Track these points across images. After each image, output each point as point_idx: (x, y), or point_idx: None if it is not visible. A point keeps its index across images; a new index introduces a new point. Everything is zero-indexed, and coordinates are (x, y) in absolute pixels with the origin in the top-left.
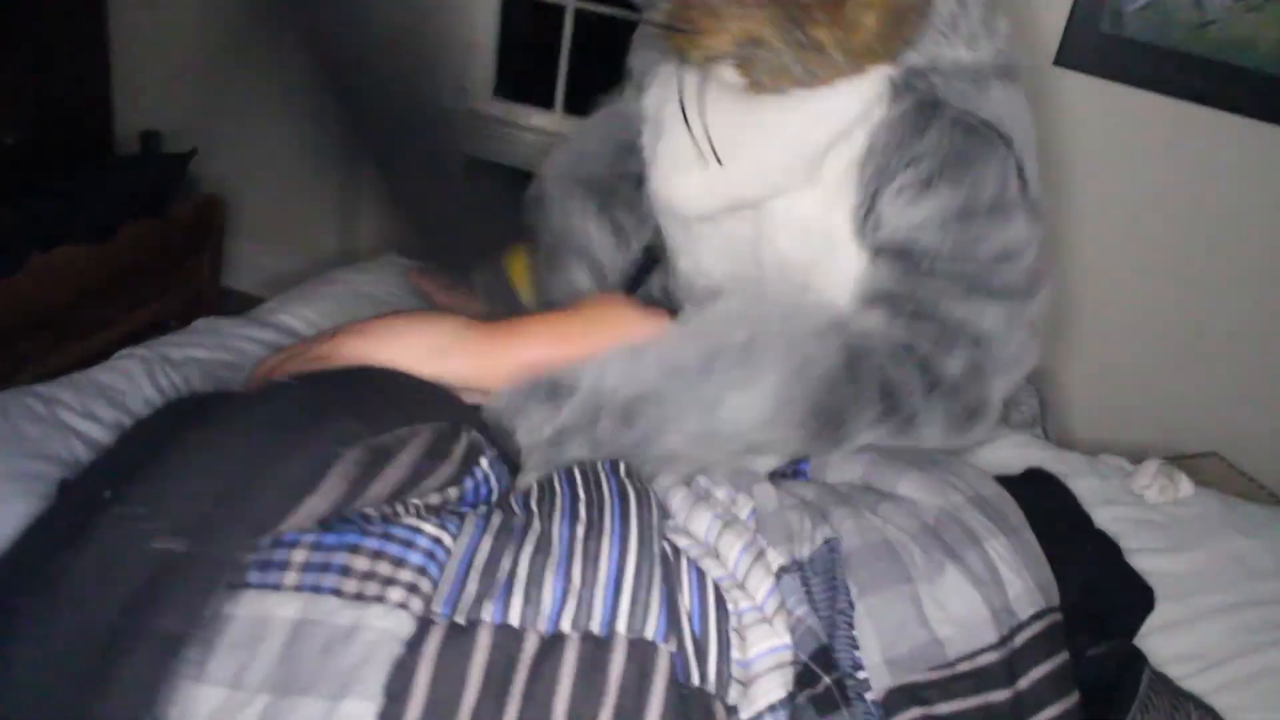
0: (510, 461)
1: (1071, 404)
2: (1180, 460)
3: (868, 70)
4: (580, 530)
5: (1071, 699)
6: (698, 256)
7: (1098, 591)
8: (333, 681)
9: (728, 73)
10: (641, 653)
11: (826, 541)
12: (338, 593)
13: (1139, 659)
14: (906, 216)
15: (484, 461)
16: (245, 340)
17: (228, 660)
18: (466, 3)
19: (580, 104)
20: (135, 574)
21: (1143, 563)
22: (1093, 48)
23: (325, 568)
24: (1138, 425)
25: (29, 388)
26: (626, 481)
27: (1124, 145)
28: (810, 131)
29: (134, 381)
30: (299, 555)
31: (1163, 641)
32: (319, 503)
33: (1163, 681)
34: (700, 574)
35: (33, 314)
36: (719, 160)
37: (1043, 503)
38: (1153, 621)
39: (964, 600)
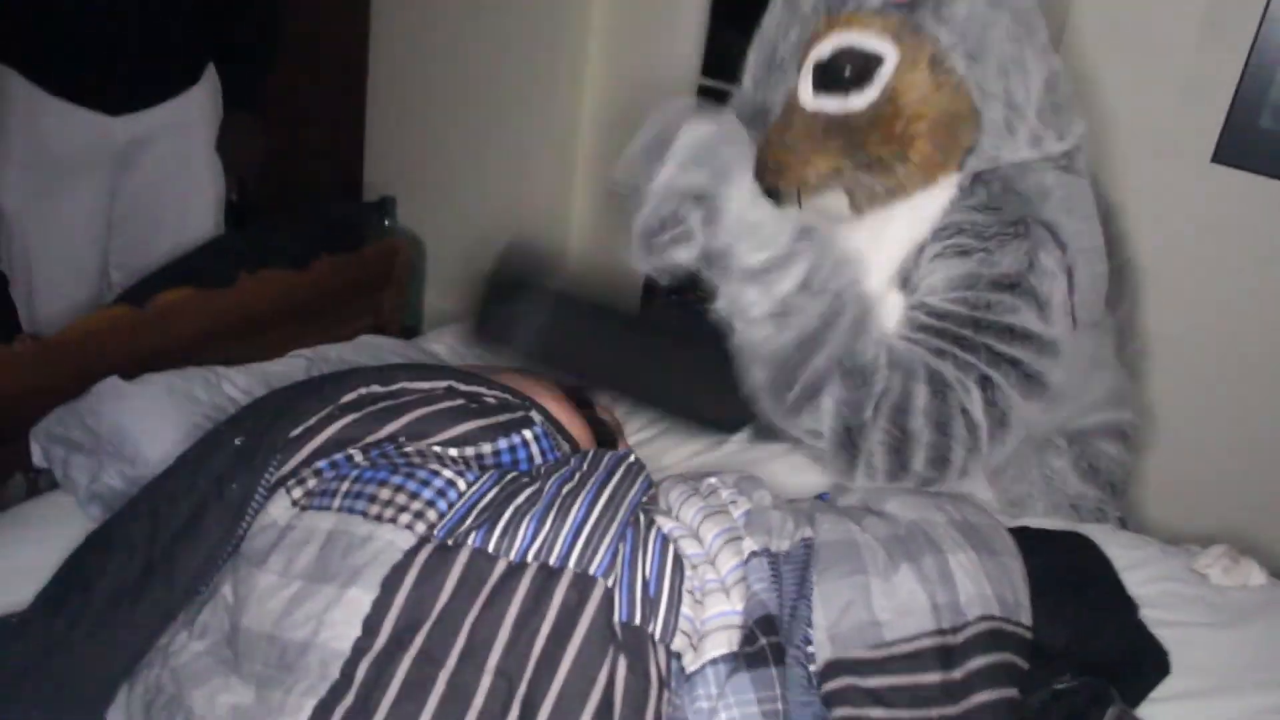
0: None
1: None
2: None
3: (939, 180)
4: (566, 489)
5: (1007, 691)
6: None
7: (1095, 641)
8: (347, 574)
9: (835, 204)
10: (582, 583)
11: (804, 540)
12: (364, 514)
13: (1107, 697)
14: (929, 278)
15: (527, 433)
16: (395, 357)
17: (281, 557)
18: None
19: None
20: (220, 461)
21: (1180, 635)
22: (1251, 144)
23: (359, 495)
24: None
25: (211, 367)
26: (620, 465)
27: None
28: (903, 235)
29: (291, 373)
30: (345, 485)
31: (1176, 708)
32: (329, 436)
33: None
34: (664, 544)
35: (236, 324)
36: None
37: (1060, 556)
38: (1173, 688)
39: (909, 593)
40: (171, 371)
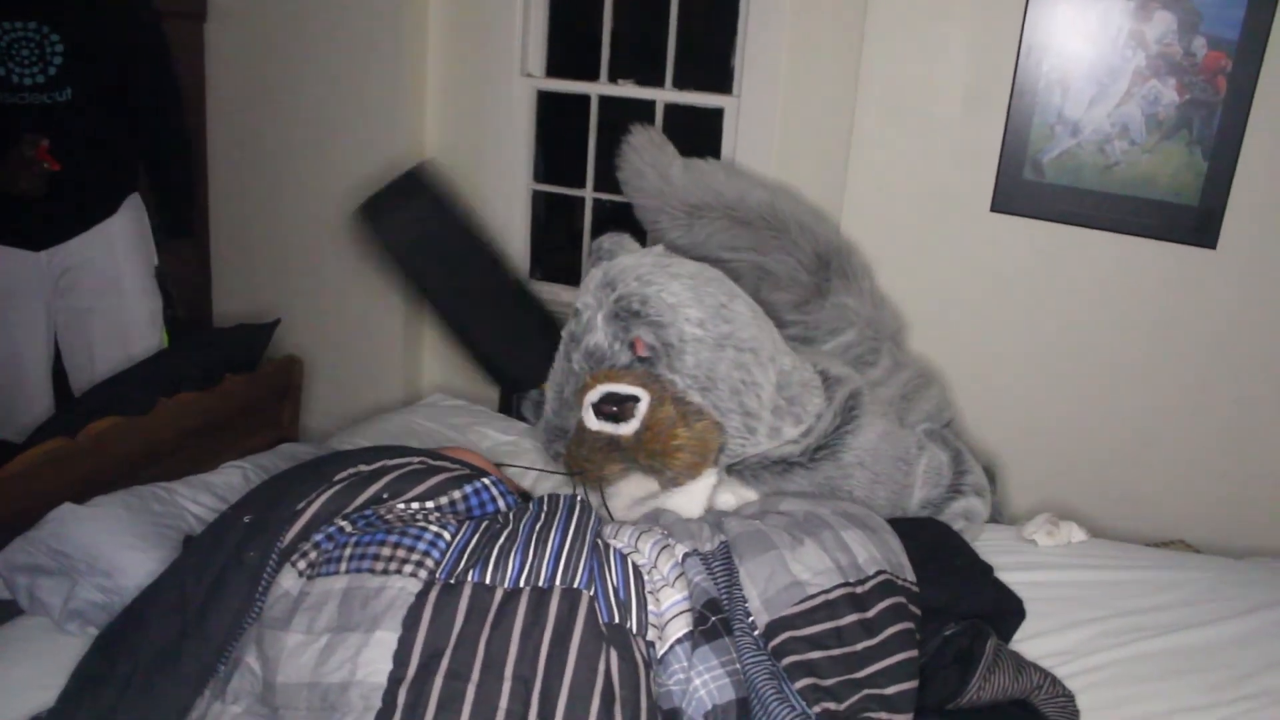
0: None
1: (1049, 502)
2: (1150, 545)
3: (704, 472)
4: (538, 526)
5: (909, 624)
6: None
7: (967, 597)
8: (369, 621)
9: (648, 484)
10: (571, 596)
11: (722, 542)
12: (372, 570)
13: (985, 633)
14: None
15: (485, 480)
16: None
17: (303, 618)
18: (502, 198)
19: None
20: (233, 537)
21: (1024, 590)
22: (1019, 194)
23: (363, 556)
24: (1108, 517)
25: (158, 484)
26: (576, 503)
27: (1055, 271)
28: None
29: (230, 481)
30: (347, 550)
31: (1037, 643)
32: (323, 502)
33: (1009, 653)
34: (624, 559)
35: (158, 444)
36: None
37: (927, 537)
38: (1030, 629)
39: (817, 558)
40: (122, 491)
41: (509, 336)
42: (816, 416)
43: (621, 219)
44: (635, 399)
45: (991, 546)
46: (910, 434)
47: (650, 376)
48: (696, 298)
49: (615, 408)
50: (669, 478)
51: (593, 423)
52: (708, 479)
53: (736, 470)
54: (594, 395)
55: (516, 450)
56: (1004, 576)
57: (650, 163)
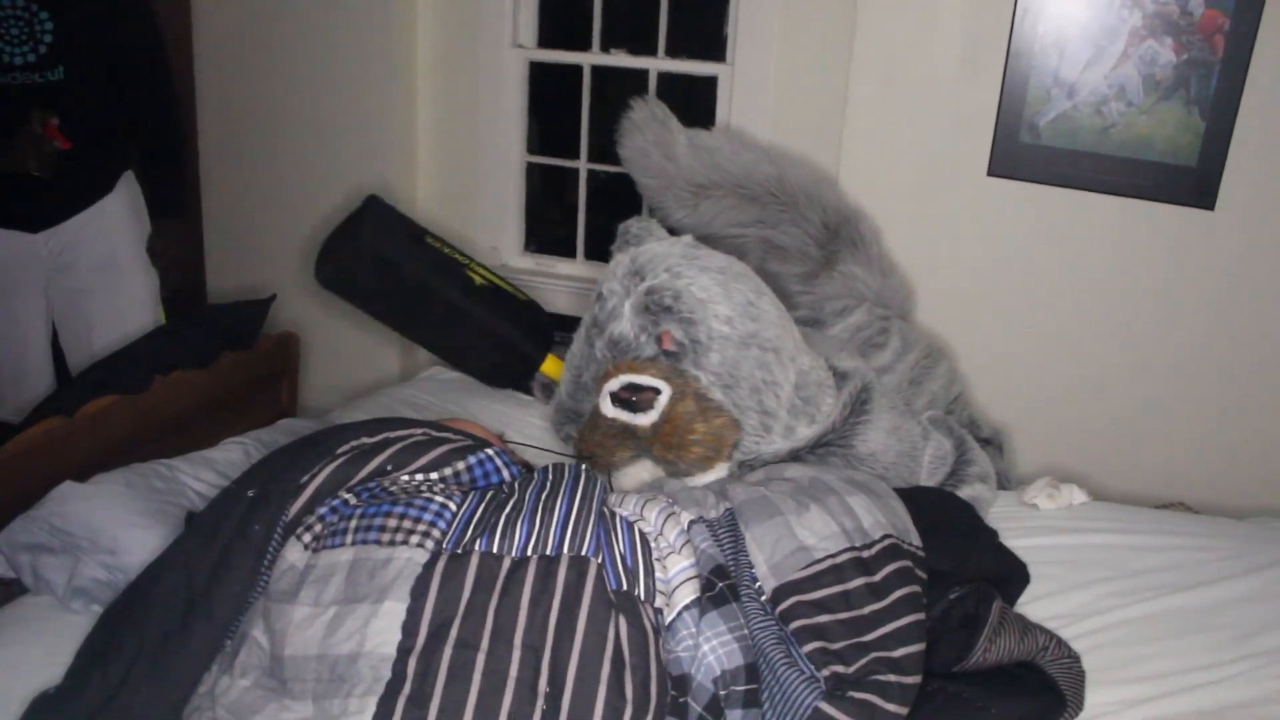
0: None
1: (1049, 466)
2: (1150, 508)
3: (716, 466)
4: (544, 495)
5: (916, 587)
6: None
7: (972, 561)
8: (376, 592)
9: (652, 470)
10: (579, 564)
11: (728, 509)
12: (378, 542)
13: (990, 596)
14: None
15: (489, 450)
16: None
17: (310, 591)
18: (494, 170)
19: (599, 251)
20: (238, 512)
21: (1027, 554)
22: (1016, 157)
23: (369, 528)
24: (1109, 480)
25: (159, 460)
26: (582, 472)
27: (1053, 234)
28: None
29: (232, 458)
30: (353, 523)
31: (1041, 605)
32: (327, 474)
33: (1015, 616)
34: (630, 527)
35: (156, 423)
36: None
37: (930, 503)
38: (1034, 592)
39: (822, 523)
40: (123, 469)
41: (492, 343)
42: (827, 416)
43: (616, 190)
44: (656, 390)
45: (994, 511)
46: (917, 425)
47: (674, 370)
48: (726, 294)
49: (634, 397)
50: (680, 470)
51: (609, 409)
52: (717, 473)
53: (748, 465)
54: (614, 384)
55: (518, 423)
56: (1007, 541)
57: (654, 141)
